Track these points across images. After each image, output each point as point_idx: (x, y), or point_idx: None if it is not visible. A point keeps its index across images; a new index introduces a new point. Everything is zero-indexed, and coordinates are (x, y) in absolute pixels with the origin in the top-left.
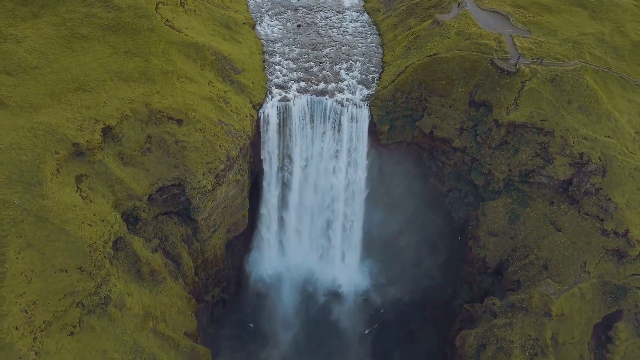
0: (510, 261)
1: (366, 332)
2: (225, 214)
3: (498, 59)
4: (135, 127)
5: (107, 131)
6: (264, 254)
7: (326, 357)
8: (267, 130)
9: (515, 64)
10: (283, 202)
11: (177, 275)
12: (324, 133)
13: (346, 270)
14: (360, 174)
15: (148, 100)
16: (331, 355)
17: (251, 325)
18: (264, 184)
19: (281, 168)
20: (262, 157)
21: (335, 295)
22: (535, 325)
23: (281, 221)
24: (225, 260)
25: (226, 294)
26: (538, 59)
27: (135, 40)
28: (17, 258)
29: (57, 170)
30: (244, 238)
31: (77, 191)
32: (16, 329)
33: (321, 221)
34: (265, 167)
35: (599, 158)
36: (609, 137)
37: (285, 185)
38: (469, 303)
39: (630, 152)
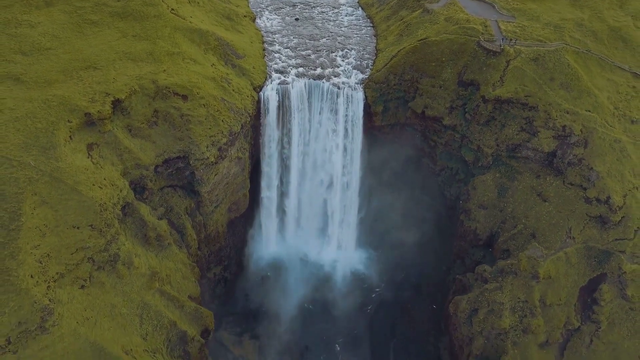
0: (500, 233)
1: (365, 307)
2: (228, 191)
3: (484, 40)
4: (142, 102)
5: (116, 104)
6: (264, 235)
7: (324, 336)
8: (267, 111)
9: (500, 45)
10: (283, 183)
11: (181, 245)
12: (321, 114)
13: (343, 252)
14: (356, 155)
15: (155, 78)
16: (329, 333)
17: (251, 304)
18: (264, 165)
19: (281, 149)
20: (261, 139)
21: (332, 276)
22: (524, 287)
23: (281, 203)
24: (227, 239)
25: (227, 272)
26: (512, 40)
27: (142, 26)
28: (32, 213)
29: (70, 137)
30: (245, 220)
31: (88, 157)
32: (31, 277)
33: (319, 202)
34: (265, 148)
35: (581, 130)
36: (589, 111)
37: (284, 166)
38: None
39: (610, 125)
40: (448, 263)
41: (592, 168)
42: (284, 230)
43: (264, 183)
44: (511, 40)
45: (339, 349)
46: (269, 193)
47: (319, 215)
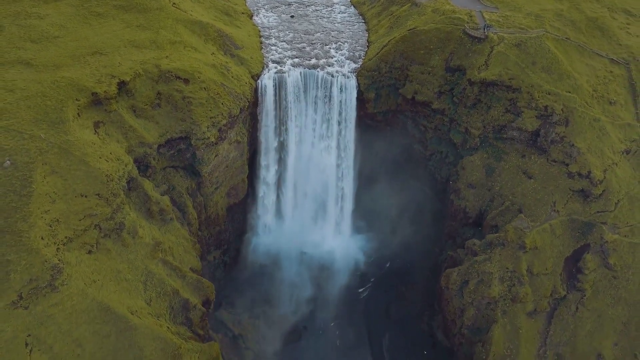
0: (488, 211)
1: (360, 290)
2: (227, 174)
3: (469, 28)
4: (146, 84)
5: (122, 86)
6: (262, 221)
7: (322, 317)
8: (264, 97)
9: (484, 32)
10: (280, 169)
11: (182, 222)
12: (316, 101)
13: (339, 238)
14: (350, 142)
15: (158, 63)
16: (326, 315)
17: (250, 288)
18: (261, 151)
19: (278, 135)
20: (259, 126)
21: (329, 261)
22: (512, 258)
23: (278, 189)
24: (227, 224)
25: (227, 257)
26: (489, 26)
27: (146, 17)
28: (42, 181)
29: (78, 114)
30: (244, 207)
31: (95, 134)
32: (42, 238)
33: (316, 189)
34: (263, 133)
35: (562, 110)
36: (569, 92)
37: (281, 153)
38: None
39: (589, 106)
40: (440, 245)
41: (573, 145)
42: (281, 216)
43: (261, 169)
44: (489, 26)
45: (336, 330)
46: (266, 179)
47: (315, 202)
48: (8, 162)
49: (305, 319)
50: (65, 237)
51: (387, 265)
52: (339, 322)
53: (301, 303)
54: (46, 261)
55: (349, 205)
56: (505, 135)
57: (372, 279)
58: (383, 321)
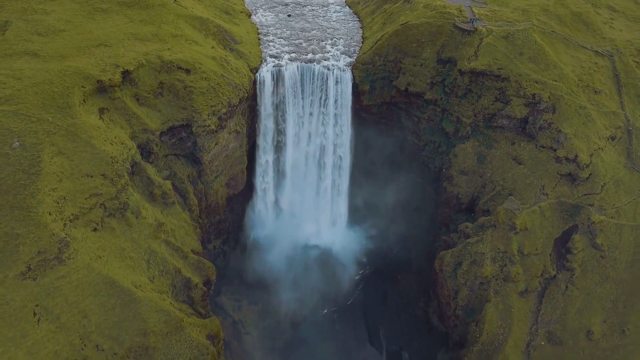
0: (480, 197)
1: (357, 278)
2: (227, 164)
3: (459, 22)
4: (149, 74)
5: (125, 75)
6: (260, 211)
7: (320, 305)
8: (262, 90)
9: (473, 24)
10: (278, 160)
11: (184, 207)
12: (312, 94)
13: (336, 229)
14: (346, 134)
15: (160, 54)
16: (324, 303)
17: (249, 277)
18: (260, 142)
19: (276, 127)
20: (257, 118)
21: (326, 251)
22: (503, 239)
23: (276, 182)
24: (226, 214)
25: (226, 246)
26: (476, 19)
27: (148, 13)
28: (50, 161)
29: (84, 100)
30: (243, 198)
31: (100, 119)
32: (49, 214)
33: (313, 181)
34: (261, 125)
35: (549, 97)
36: (556, 81)
37: (279, 144)
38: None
39: (575, 94)
40: (434, 232)
41: (560, 131)
42: (279, 207)
43: (259, 160)
44: (477, 19)
45: (334, 317)
46: (264, 170)
47: (313, 193)
48: (17, 143)
49: (303, 306)
50: (72, 214)
51: (385, 255)
52: (337, 310)
53: (299, 292)
54: (54, 235)
55: (345, 196)
56: (495, 124)
57: (368, 269)
58: (380, 308)
